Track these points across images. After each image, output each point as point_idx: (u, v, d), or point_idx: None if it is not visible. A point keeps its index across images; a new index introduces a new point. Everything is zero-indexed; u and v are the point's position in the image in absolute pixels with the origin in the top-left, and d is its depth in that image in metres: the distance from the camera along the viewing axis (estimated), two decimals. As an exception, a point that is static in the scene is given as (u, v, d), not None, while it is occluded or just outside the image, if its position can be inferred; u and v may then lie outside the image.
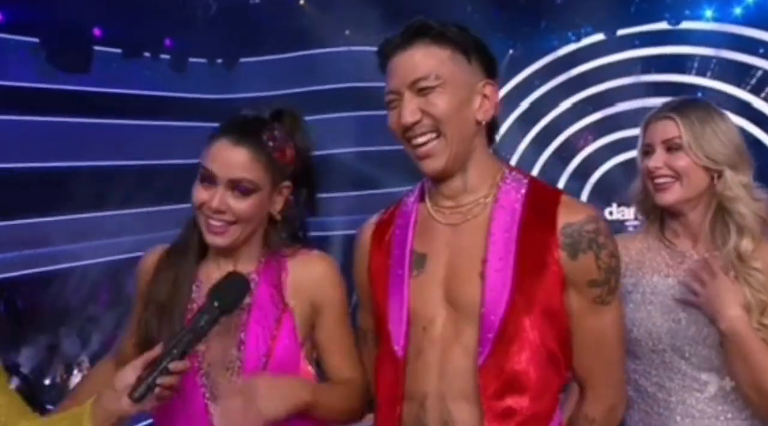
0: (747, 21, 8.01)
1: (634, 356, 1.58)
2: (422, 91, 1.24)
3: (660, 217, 1.66)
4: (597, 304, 1.28)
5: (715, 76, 8.08)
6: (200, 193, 1.40)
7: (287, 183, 1.47)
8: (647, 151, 1.63)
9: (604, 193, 8.62)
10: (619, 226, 7.87)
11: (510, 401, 1.23)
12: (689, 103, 1.64)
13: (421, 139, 1.26)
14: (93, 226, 7.59)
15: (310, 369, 1.47)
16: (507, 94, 8.96)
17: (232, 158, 1.38)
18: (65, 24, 7.13)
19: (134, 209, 7.58)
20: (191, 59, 8.08)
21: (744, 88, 7.97)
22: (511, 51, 8.71)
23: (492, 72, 1.31)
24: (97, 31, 7.56)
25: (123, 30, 7.52)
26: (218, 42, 7.90)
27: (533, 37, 8.63)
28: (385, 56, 1.28)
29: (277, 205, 1.47)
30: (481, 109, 1.27)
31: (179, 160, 8.26)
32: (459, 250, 1.28)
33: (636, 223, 8.36)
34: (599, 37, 8.39)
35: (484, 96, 1.28)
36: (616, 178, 8.47)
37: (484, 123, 1.28)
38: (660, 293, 1.57)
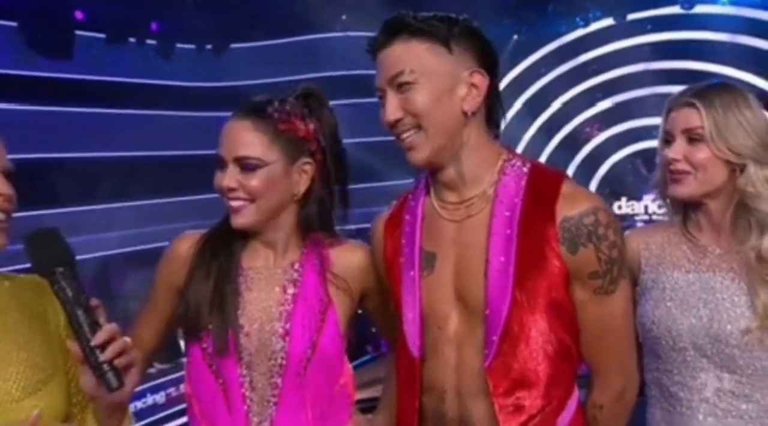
0: (765, 4, 7.70)
1: (655, 355, 1.56)
2: (401, 87, 1.27)
3: (683, 208, 1.59)
4: (599, 295, 1.30)
5: (731, 63, 7.76)
6: (217, 179, 1.44)
7: (307, 160, 1.47)
8: (667, 139, 1.55)
9: (613, 186, 8.48)
10: (629, 221, 7.62)
11: (520, 398, 1.27)
12: (714, 89, 1.54)
13: (404, 136, 1.30)
14: (78, 221, 7.29)
15: (350, 367, 1.50)
16: (511, 81, 8.69)
17: (235, 137, 1.43)
18: (45, 7, 6.88)
19: (121, 203, 7.32)
20: (179, 45, 7.82)
21: (762, 76, 7.68)
22: (515, 36, 8.51)
23: (483, 60, 1.29)
24: (79, 15, 7.29)
25: (106, 13, 7.27)
26: (207, 27, 7.64)
27: (539, 22, 8.52)
28: (372, 54, 1.32)
29: (300, 185, 1.47)
30: (468, 99, 1.27)
31: (167, 151, 8.04)
32: (465, 249, 1.30)
33: (645, 218, 8.18)
34: (609, 21, 8.21)
35: (472, 85, 1.27)
36: (625, 171, 8.34)
37: (470, 113, 1.27)
38: (680, 290, 1.53)
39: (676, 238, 1.59)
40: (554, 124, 9.12)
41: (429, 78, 1.25)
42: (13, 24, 6.86)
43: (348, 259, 1.49)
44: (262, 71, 8.04)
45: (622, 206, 8.23)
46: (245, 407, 1.39)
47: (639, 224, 7.25)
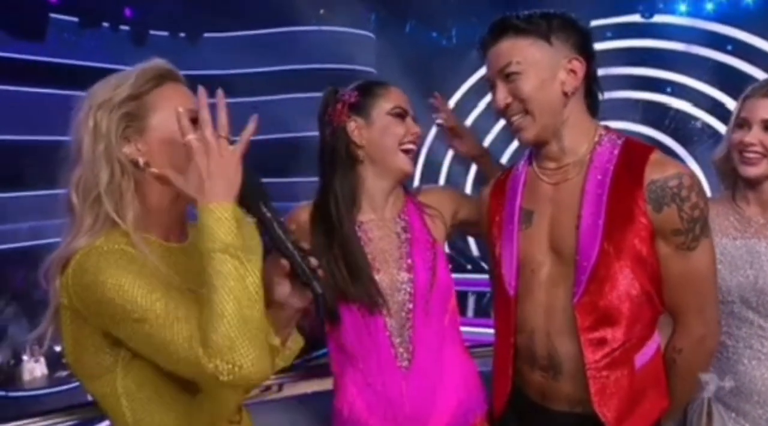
0: (718, 17, 8.05)
1: None
2: (509, 77, 1.44)
3: (733, 184, 1.81)
4: (682, 250, 1.44)
5: (685, 71, 8.11)
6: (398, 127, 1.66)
7: None
8: (742, 124, 1.73)
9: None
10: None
11: (603, 332, 1.44)
12: None
13: (513, 119, 1.48)
14: (45, 205, 7.26)
15: (455, 300, 1.71)
16: (475, 83, 8.87)
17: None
18: (19, -11, 6.80)
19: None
20: (152, 32, 7.78)
21: (714, 85, 8.01)
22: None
23: (580, 47, 1.46)
24: (52, -2, 7.23)
25: (80, -3, 7.19)
26: (182, 14, 7.63)
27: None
28: (483, 50, 1.51)
29: None
30: (567, 82, 1.44)
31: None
32: (560, 207, 1.48)
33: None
34: (572, 27, 8.34)
35: (571, 70, 1.44)
36: (584, 171, 8.43)
37: (570, 93, 1.45)
38: (729, 254, 1.73)
39: (724, 210, 1.78)
40: (518, 125, 9.24)
41: (532, 68, 1.43)
42: (-15, 5, 6.81)
43: (431, 198, 1.75)
44: (234, 61, 8.07)
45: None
46: (387, 333, 1.62)
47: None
